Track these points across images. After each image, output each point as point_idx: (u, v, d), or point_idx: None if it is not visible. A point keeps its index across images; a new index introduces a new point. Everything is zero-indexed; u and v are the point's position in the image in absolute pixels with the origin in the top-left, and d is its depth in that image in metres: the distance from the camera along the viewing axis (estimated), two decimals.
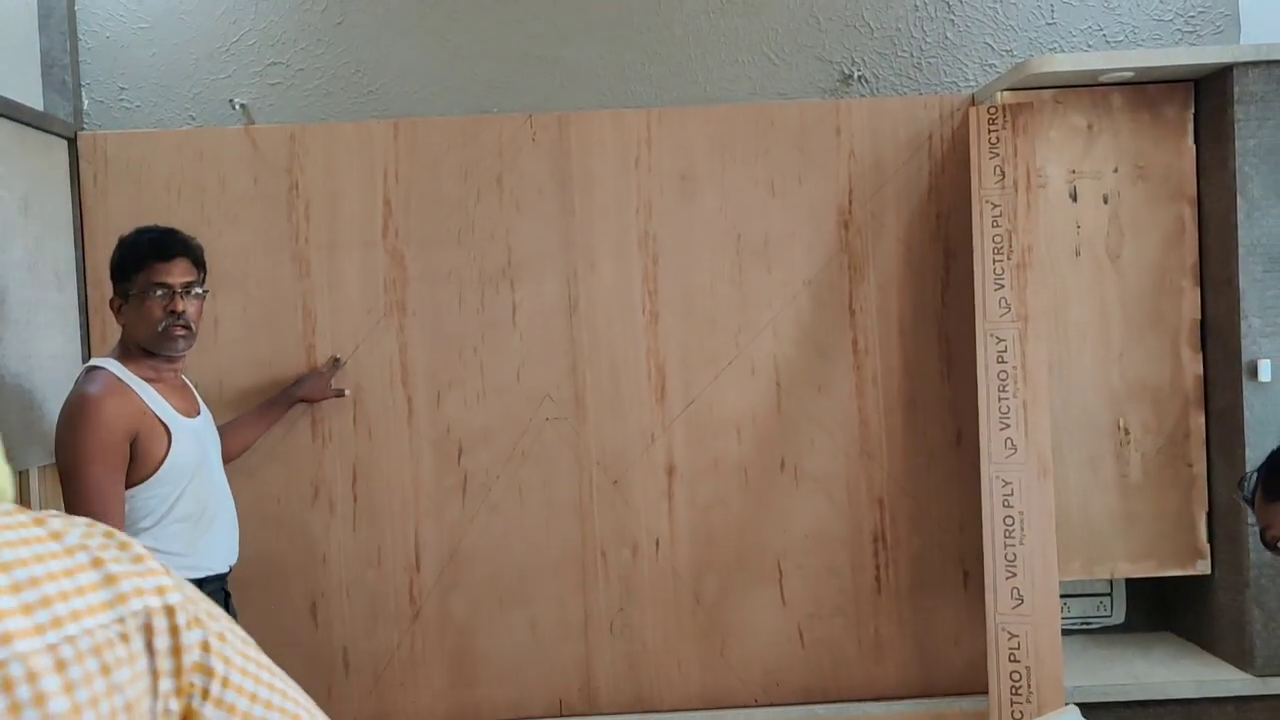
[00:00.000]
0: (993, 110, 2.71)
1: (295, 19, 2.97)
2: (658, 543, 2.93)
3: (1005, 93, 2.76)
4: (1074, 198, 2.80)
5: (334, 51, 2.99)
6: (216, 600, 2.30)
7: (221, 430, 2.62)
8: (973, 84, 3.04)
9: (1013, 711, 2.35)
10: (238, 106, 2.87)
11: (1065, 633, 3.00)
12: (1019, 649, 2.38)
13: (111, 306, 2.34)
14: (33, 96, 2.81)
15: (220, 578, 2.33)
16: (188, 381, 2.39)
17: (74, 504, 2.14)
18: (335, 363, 2.82)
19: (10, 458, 2.37)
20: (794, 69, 3.04)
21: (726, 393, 2.92)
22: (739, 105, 2.94)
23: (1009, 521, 2.48)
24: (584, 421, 2.91)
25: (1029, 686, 2.36)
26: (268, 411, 2.75)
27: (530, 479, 2.90)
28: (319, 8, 2.98)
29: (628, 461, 2.91)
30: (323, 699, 2.87)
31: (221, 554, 2.34)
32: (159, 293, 2.33)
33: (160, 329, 2.32)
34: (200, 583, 2.28)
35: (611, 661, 2.93)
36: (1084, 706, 2.64)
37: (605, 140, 2.90)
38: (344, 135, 2.87)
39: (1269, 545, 1.89)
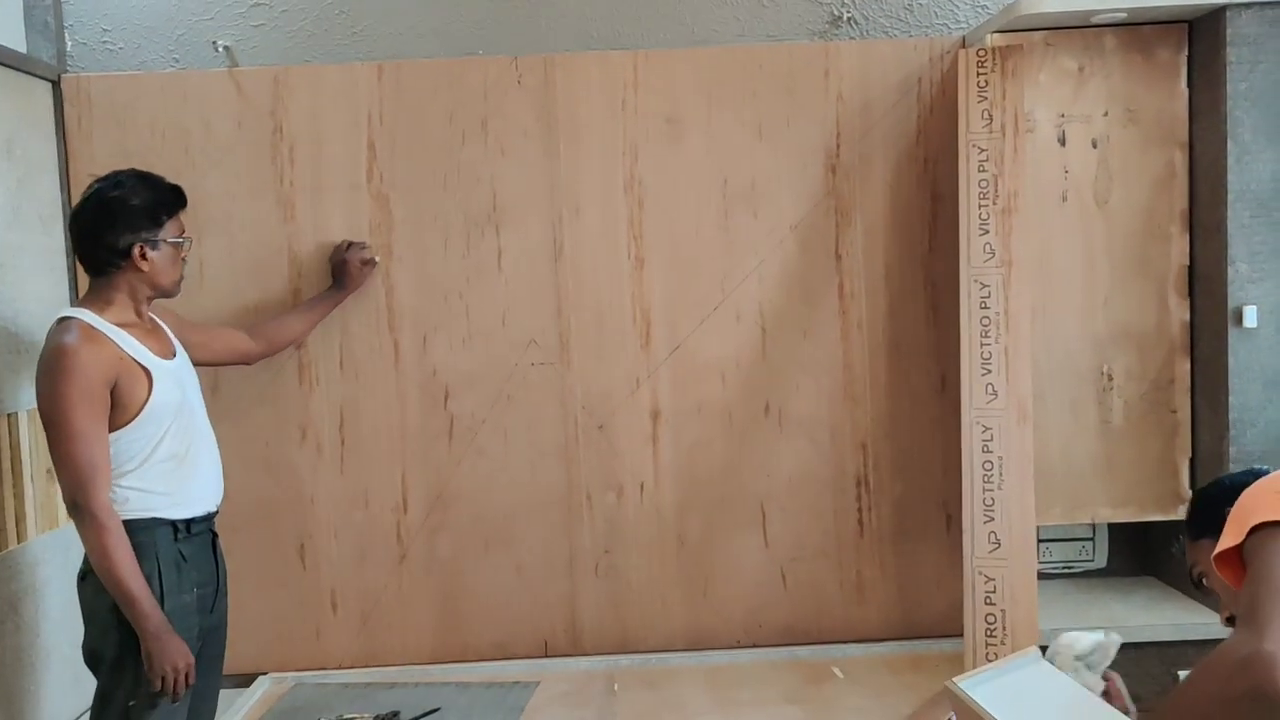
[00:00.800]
0: (981, 53, 2.67)
1: None
2: (642, 486, 2.95)
3: (995, 35, 2.72)
4: (1062, 142, 2.78)
5: None
6: (204, 542, 2.36)
7: (268, 322, 2.75)
8: (964, 26, 3.00)
9: (987, 653, 2.39)
10: (221, 49, 2.84)
11: (1047, 577, 3.04)
12: (995, 592, 2.41)
13: (136, 253, 2.25)
14: (15, 39, 2.79)
15: (208, 518, 2.35)
16: (160, 323, 2.40)
17: (60, 452, 2.15)
18: (361, 248, 2.83)
19: None
20: (783, 10, 2.99)
21: (711, 338, 2.93)
22: (727, 47, 2.91)
23: (988, 466, 2.49)
24: (569, 366, 2.92)
25: (1004, 629, 2.39)
26: (316, 306, 2.81)
27: (516, 423, 2.92)
28: None
29: (613, 405, 2.93)
30: (311, 639, 2.94)
31: (207, 494, 2.36)
32: (188, 243, 2.38)
33: (180, 276, 2.37)
34: (188, 523, 2.31)
35: (596, 602, 2.97)
36: None
37: (591, 83, 2.87)
38: (328, 78, 2.85)
39: (1195, 583, 1.89)
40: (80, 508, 2.14)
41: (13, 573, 2.54)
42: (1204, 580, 1.84)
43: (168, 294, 2.37)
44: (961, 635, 2.65)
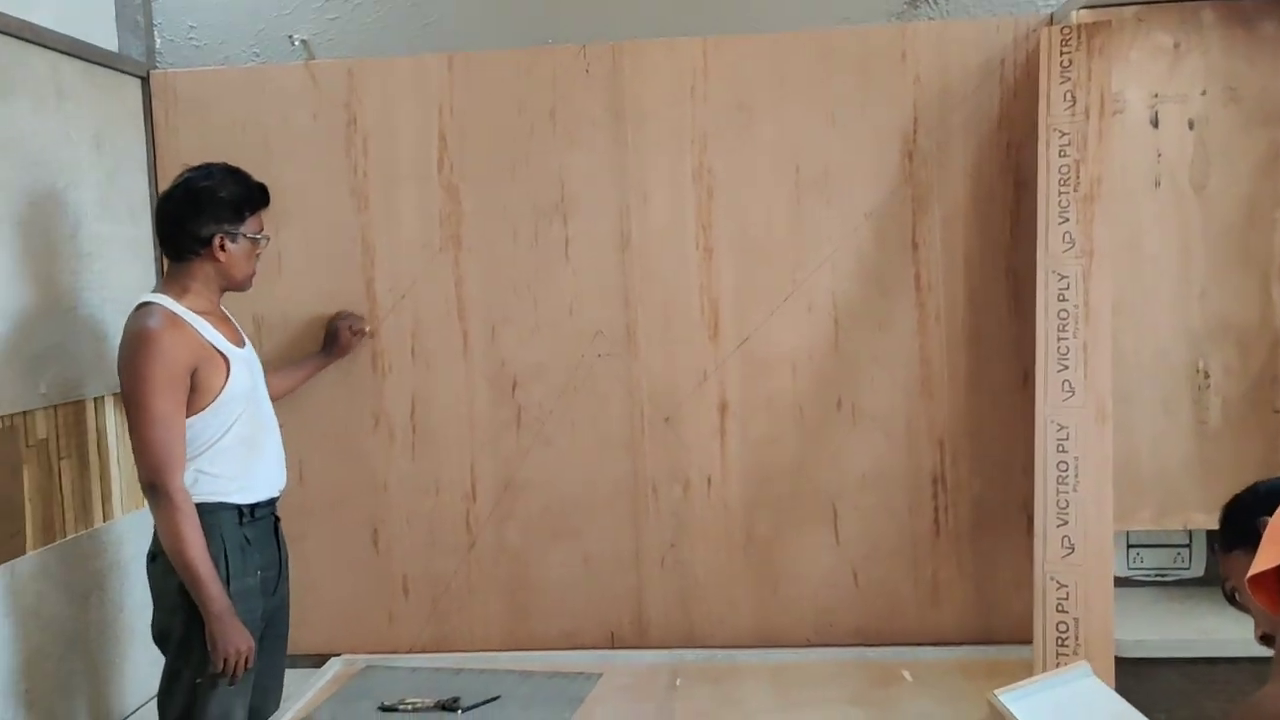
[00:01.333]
0: (1065, 30, 2.54)
1: None
2: (709, 480, 2.91)
3: (1081, 11, 2.57)
4: (1155, 124, 2.62)
5: None
6: (267, 526, 2.41)
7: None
8: (1052, 3, 2.84)
9: (1058, 662, 2.27)
10: (297, 42, 2.90)
11: (1137, 584, 2.89)
12: (1067, 599, 2.29)
13: (215, 243, 2.32)
14: (107, 37, 2.89)
15: (271, 503, 2.41)
16: (229, 313, 2.46)
17: (140, 434, 2.21)
18: (355, 320, 2.88)
19: (84, 385, 2.49)
20: None
21: (782, 329, 2.86)
22: (798, 32, 2.83)
23: (1062, 467, 2.37)
24: (635, 358, 2.89)
25: (1076, 638, 2.27)
26: (303, 366, 2.86)
27: (582, 414, 2.91)
28: None
29: (679, 398, 2.89)
30: (384, 623, 2.99)
31: (272, 479, 2.42)
32: (265, 241, 2.44)
33: (254, 272, 2.43)
34: (253, 507, 2.36)
35: (663, 596, 2.95)
36: (1144, 662, 2.55)
37: (660, 70, 2.83)
38: (400, 69, 2.88)
39: (1228, 597, 1.74)
40: (157, 489, 2.20)
41: (99, 550, 2.65)
42: (1236, 596, 1.70)
43: (240, 288, 2.43)
44: None
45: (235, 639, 2.23)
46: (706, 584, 2.93)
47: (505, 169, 2.88)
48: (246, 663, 2.24)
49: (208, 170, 2.36)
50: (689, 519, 2.92)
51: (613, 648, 2.96)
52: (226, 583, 2.26)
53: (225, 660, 2.22)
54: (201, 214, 2.31)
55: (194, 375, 2.26)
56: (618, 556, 2.94)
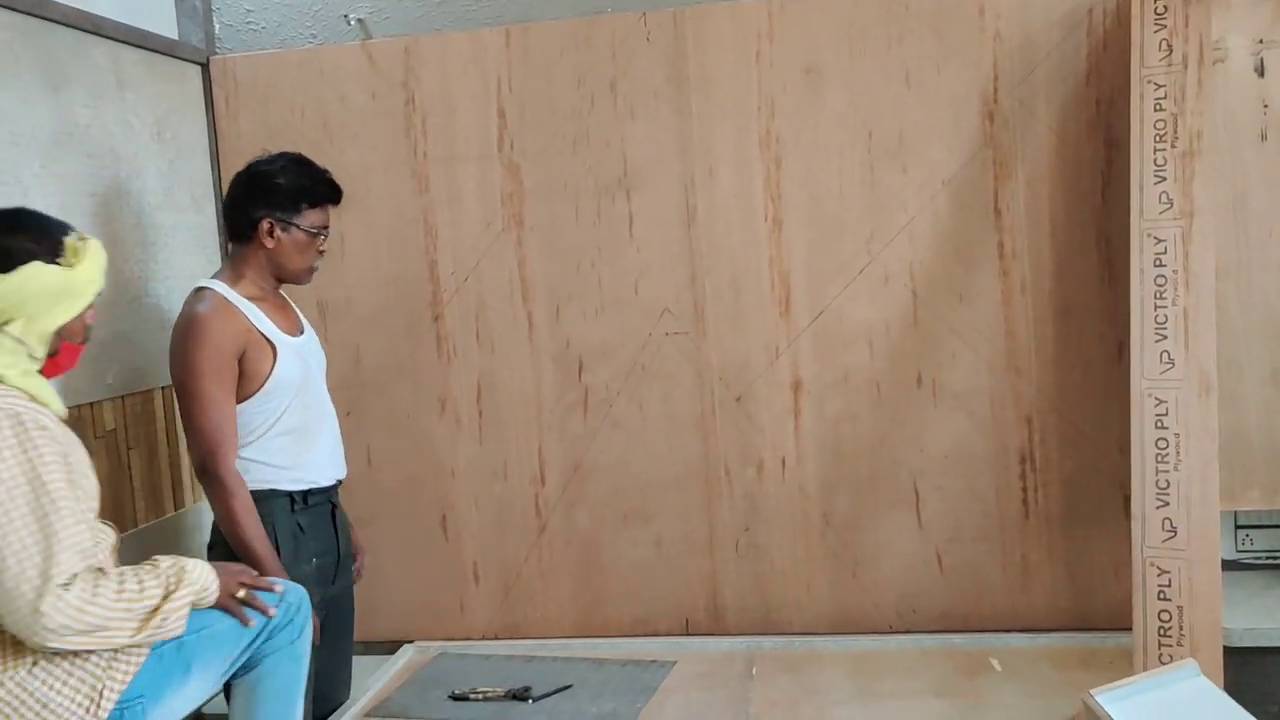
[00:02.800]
0: None
1: None
2: (784, 461, 2.80)
3: None
4: (1260, 72, 2.41)
5: None
6: (323, 513, 2.37)
7: None
8: None
9: (1160, 655, 2.11)
10: (353, 22, 2.85)
11: (1248, 568, 2.71)
12: (1170, 586, 2.13)
13: (264, 229, 2.28)
14: (167, 25, 2.88)
15: (325, 490, 2.38)
16: (289, 301, 2.42)
17: (191, 419, 2.21)
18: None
19: (151, 375, 2.47)
20: None
21: (857, 303, 2.74)
22: None
23: (1162, 444, 2.20)
24: (704, 335, 2.79)
25: (1180, 629, 2.11)
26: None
27: (650, 395, 2.82)
28: None
29: (751, 376, 2.79)
30: (456, 610, 2.96)
31: (325, 468, 2.38)
32: (324, 237, 2.39)
33: (309, 267, 2.37)
34: (305, 494, 2.33)
35: (738, 581, 2.86)
36: (1255, 652, 2.38)
37: (723, 35, 2.72)
38: (457, 45, 2.82)
39: None
40: (210, 473, 2.19)
41: (171, 538, 2.66)
42: None
43: (294, 280, 2.37)
44: None
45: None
46: (783, 568, 2.83)
47: (566, 144, 2.80)
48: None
49: (276, 157, 2.35)
50: (763, 501, 2.82)
51: (687, 634, 2.88)
52: None
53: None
54: (254, 197, 2.29)
55: (241, 361, 2.24)
56: (691, 540, 2.86)
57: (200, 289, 2.28)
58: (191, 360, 2.19)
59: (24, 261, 1.73)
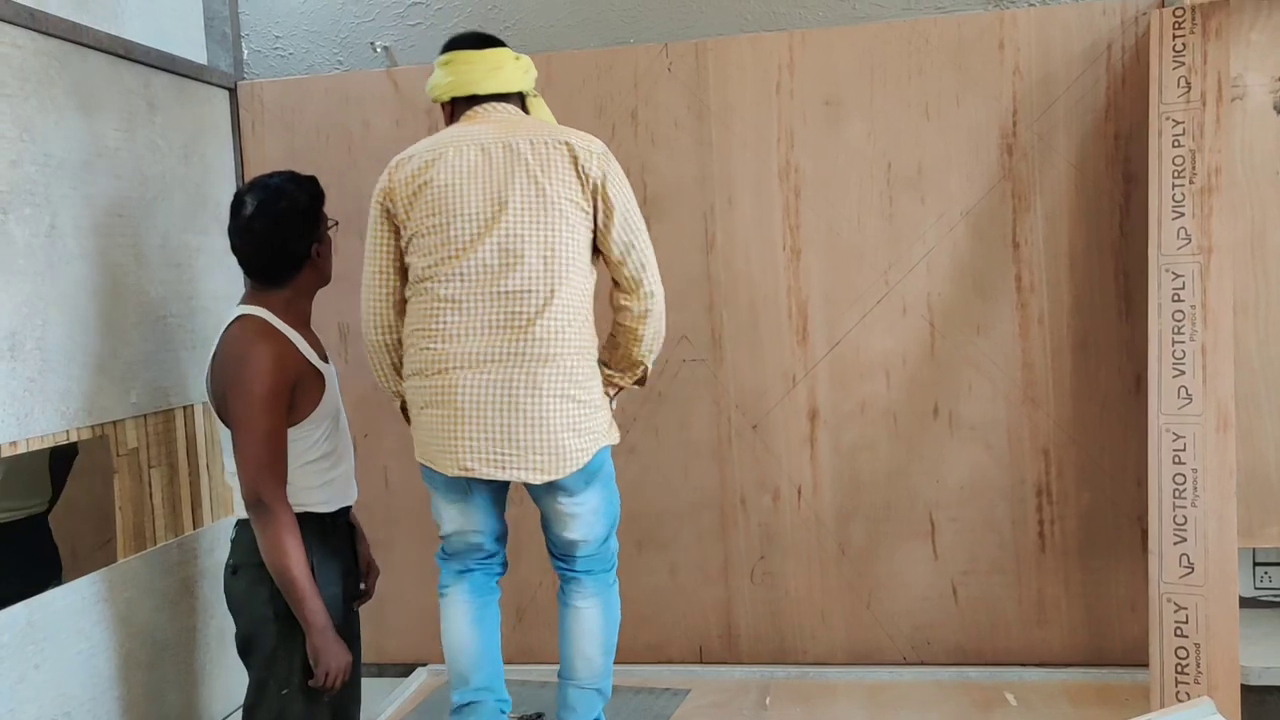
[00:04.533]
0: (1178, 12, 2.37)
1: None
2: (800, 490, 2.80)
3: None
4: (1279, 109, 2.43)
5: None
6: (342, 533, 2.39)
7: None
8: None
9: (1177, 692, 2.11)
10: (379, 49, 2.89)
11: (1266, 605, 2.69)
12: (1187, 623, 2.12)
13: (316, 252, 2.28)
14: (196, 50, 2.93)
15: (346, 510, 2.39)
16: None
17: (248, 450, 2.15)
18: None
19: (174, 394, 2.48)
20: None
21: (874, 333, 2.75)
22: (890, 22, 2.71)
23: (1179, 480, 2.20)
24: (721, 363, 2.81)
25: (1198, 665, 2.10)
26: None
27: (667, 421, 2.83)
28: None
29: (768, 405, 2.79)
30: None
31: (349, 489, 2.40)
32: (335, 225, 2.39)
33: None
34: (333, 516, 2.34)
35: (753, 610, 2.85)
36: (1273, 690, 2.36)
37: (744, 67, 2.75)
38: None
39: None
40: (264, 504, 2.15)
41: (190, 556, 2.68)
42: None
43: (329, 281, 2.39)
44: None
45: (337, 652, 2.21)
46: (797, 597, 2.83)
47: None
48: (343, 676, 2.22)
49: (271, 188, 2.27)
50: (779, 530, 2.82)
51: (701, 662, 2.88)
52: None
53: (327, 674, 2.20)
54: (296, 233, 2.25)
55: (293, 391, 2.23)
56: (705, 568, 2.86)
57: (248, 317, 2.23)
58: (251, 391, 2.15)
59: None
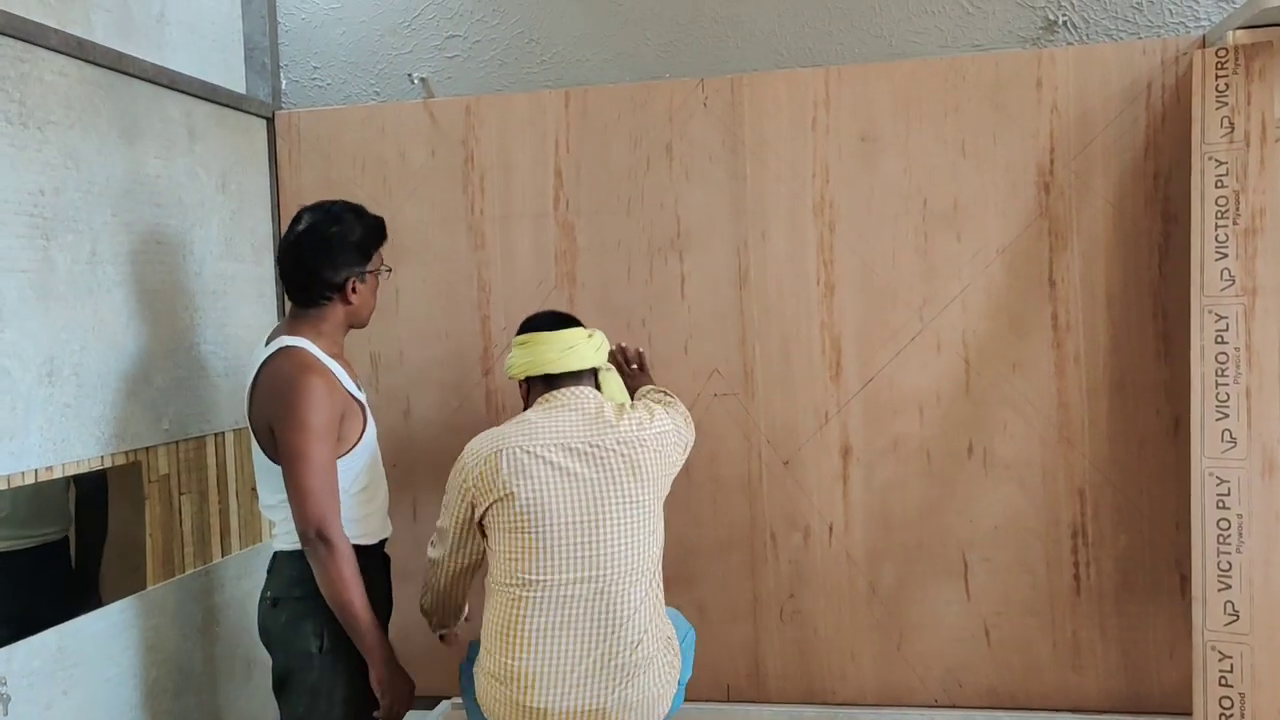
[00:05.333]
0: (1221, 52, 2.35)
1: None
2: (831, 527, 2.77)
3: (1238, 31, 2.39)
4: None
5: (509, 22, 2.98)
6: (380, 566, 2.37)
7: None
8: (1204, 24, 2.66)
9: None
10: (416, 81, 2.91)
11: None
12: (1231, 672, 2.07)
13: (351, 287, 2.28)
14: (236, 80, 2.96)
15: (383, 543, 2.38)
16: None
17: (303, 484, 2.12)
18: None
19: (206, 421, 2.49)
20: (990, 17, 2.76)
21: (908, 370, 2.72)
22: (926, 59, 2.70)
23: (1224, 525, 2.16)
24: (753, 398, 2.79)
25: (1242, 715, 2.05)
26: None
27: (698, 456, 2.80)
28: None
29: (799, 440, 2.77)
30: None
31: (386, 521, 2.38)
32: (387, 273, 2.42)
33: (374, 306, 2.38)
34: (372, 548, 2.32)
35: (781, 648, 2.82)
36: None
37: (780, 102, 2.75)
38: (517, 106, 2.87)
39: None
40: (324, 538, 2.12)
41: (217, 585, 2.67)
42: None
43: (363, 325, 2.39)
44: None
45: (403, 684, 2.19)
46: (827, 637, 2.79)
47: (621, 205, 2.83)
48: (409, 705, 2.21)
49: (332, 212, 2.29)
50: (809, 568, 2.79)
51: (728, 701, 2.84)
52: None
53: (394, 705, 2.18)
54: (334, 260, 2.24)
55: (340, 423, 2.22)
56: (734, 606, 2.83)
57: (292, 348, 2.21)
58: (307, 422, 2.12)
59: None
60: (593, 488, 2.15)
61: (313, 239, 2.26)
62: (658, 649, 2.19)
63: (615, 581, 2.13)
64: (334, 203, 2.34)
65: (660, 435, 2.24)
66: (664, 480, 2.25)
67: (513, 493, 2.14)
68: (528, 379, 2.34)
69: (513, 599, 2.14)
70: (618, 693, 2.11)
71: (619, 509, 2.15)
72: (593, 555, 2.13)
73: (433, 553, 2.33)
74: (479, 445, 2.22)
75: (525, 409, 2.33)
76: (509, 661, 2.13)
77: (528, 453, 2.16)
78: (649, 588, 2.19)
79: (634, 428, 2.21)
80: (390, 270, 2.46)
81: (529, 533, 2.14)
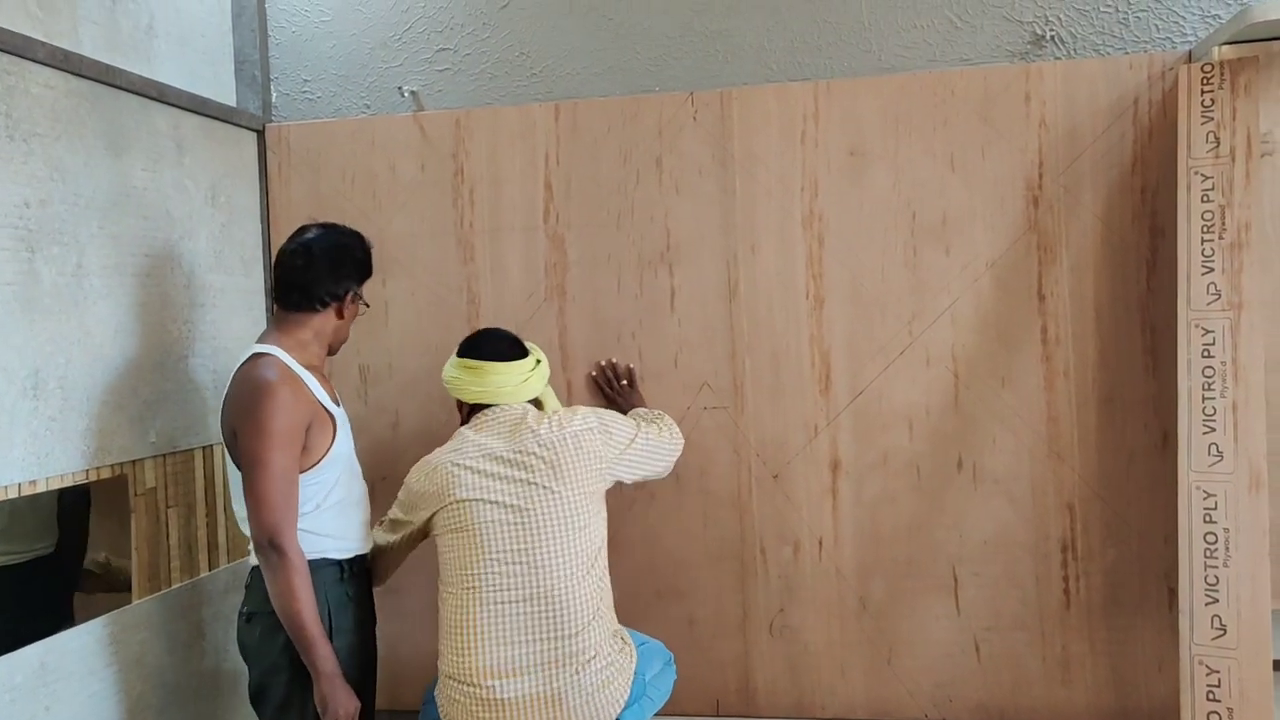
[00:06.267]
0: (1207, 68, 2.37)
1: (463, 4, 2.99)
2: (820, 541, 2.77)
3: (1223, 47, 2.40)
4: None
5: (499, 35, 2.99)
6: (364, 580, 2.36)
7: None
8: (1191, 39, 2.68)
9: None
10: (406, 94, 2.92)
11: None
12: (1219, 687, 2.07)
13: (345, 302, 2.31)
14: (226, 93, 2.96)
15: (361, 558, 2.37)
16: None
17: (259, 491, 2.13)
18: None
19: (194, 434, 2.48)
20: (979, 31, 2.77)
21: (898, 384, 2.72)
22: (915, 73, 2.71)
23: (1211, 539, 2.16)
24: (743, 411, 2.78)
25: None
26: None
27: (688, 469, 2.80)
28: None
29: (789, 454, 2.77)
30: None
31: (365, 535, 2.38)
32: (365, 308, 2.45)
33: (347, 338, 2.42)
34: (351, 562, 2.32)
35: (771, 663, 2.81)
36: None
37: (769, 116, 2.75)
38: (507, 119, 2.87)
39: None
40: (276, 548, 2.12)
41: (203, 599, 2.66)
42: None
43: (335, 351, 2.40)
44: None
45: (345, 700, 2.17)
46: (816, 651, 2.78)
47: (610, 218, 2.83)
48: None
49: (339, 229, 2.35)
50: (799, 582, 2.78)
51: (717, 716, 2.83)
52: (330, 638, 2.20)
53: None
54: (340, 269, 2.29)
55: (306, 432, 2.21)
56: (723, 620, 2.82)
57: (263, 355, 2.22)
58: (266, 430, 2.12)
59: None
60: (520, 488, 2.30)
61: (325, 244, 2.32)
62: (603, 638, 2.30)
63: (551, 575, 2.25)
64: (338, 224, 2.40)
65: (578, 434, 2.36)
66: (591, 475, 2.36)
67: (450, 502, 2.32)
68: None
69: (460, 600, 2.28)
70: (572, 679, 2.22)
71: (545, 506, 2.29)
72: (525, 549, 2.26)
73: (380, 538, 2.47)
74: (423, 466, 2.40)
75: (462, 423, 2.50)
76: (464, 659, 2.24)
77: (458, 465, 2.33)
78: (586, 579, 2.30)
79: (553, 430, 2.36)
80: (369, 306, 2.48)
81: (467, 532, 2.29)
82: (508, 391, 2.40)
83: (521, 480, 2.30)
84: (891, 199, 2.71)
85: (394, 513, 2.46)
